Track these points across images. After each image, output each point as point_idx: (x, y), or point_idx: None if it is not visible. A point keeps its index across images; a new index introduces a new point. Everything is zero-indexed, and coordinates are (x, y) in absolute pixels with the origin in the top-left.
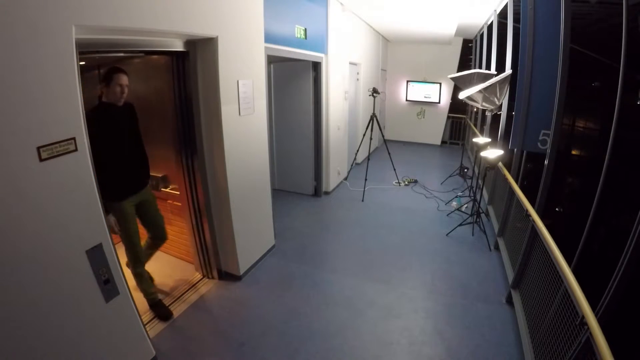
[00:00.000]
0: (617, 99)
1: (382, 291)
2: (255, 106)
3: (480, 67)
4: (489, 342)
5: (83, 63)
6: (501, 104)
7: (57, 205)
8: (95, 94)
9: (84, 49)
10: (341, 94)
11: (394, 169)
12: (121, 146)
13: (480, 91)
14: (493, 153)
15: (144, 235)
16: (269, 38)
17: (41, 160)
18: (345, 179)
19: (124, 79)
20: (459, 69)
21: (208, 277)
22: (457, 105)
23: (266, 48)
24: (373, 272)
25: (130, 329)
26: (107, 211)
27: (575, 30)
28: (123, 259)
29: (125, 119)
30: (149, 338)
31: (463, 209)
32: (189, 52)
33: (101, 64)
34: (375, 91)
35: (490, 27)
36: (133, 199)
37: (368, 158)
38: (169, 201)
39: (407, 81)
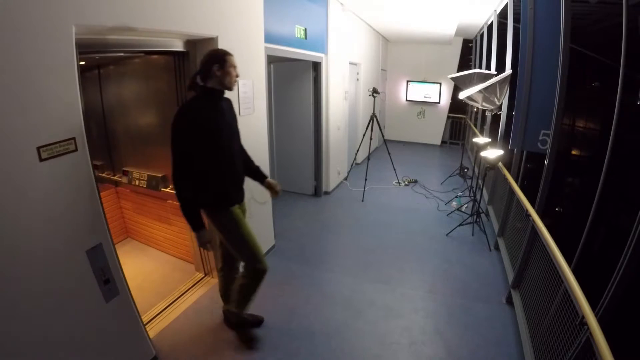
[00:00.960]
0: (617, 99)
1: (382, 291)
2: (255, 106)
3: (480, 67)
4: (489, 342)
5: (83, 63)
6: (501, 104)
7: (57, 205)
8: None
9: (84, 49)
10: (341, 94)
11: (394, 169)
12: (231, 141)
13: (480, 91)
14: (493, 153)
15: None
16: (269, 38)
17: (41, 160)
18: (345, 179)
19: (235, 61)
20: (459, 69)
21: (208, 277)
22: (457, 105)
23: (266, 48)
24: (373, 272)
25: (130, 329)
26: (200, 226)
27: (575, 30)
28: (123, 259)
29: (233, 108)
30: (149, 338)
31: (463, 209)
32: (189, 52)
33: (101, 64)
34: (375, 91)
35: (490, 27)
36: (239, 205)
37: (368, 158)
38: (169, 201)
39: (407, 81)
